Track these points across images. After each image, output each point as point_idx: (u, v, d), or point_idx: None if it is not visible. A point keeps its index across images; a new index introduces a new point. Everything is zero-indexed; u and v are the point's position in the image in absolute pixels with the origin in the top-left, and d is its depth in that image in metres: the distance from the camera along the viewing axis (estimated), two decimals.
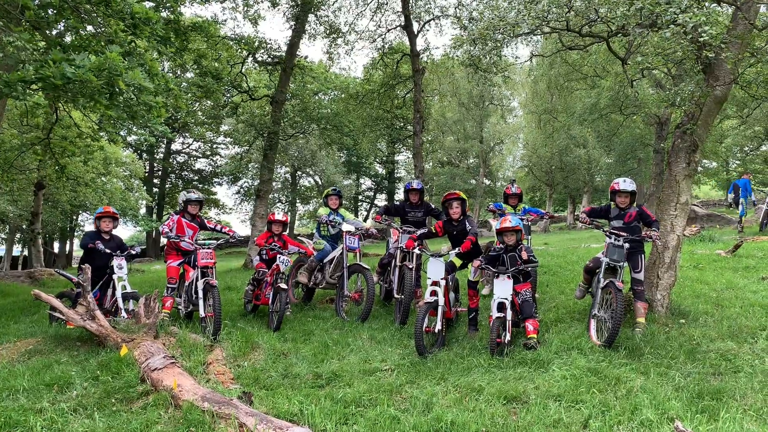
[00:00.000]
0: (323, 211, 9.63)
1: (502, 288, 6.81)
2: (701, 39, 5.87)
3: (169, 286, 8.59)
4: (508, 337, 6.57)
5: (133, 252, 8.63)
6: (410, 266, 8.20)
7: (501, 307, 6.72)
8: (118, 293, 8.19)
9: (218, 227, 9.34)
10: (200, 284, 7.73)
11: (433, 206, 9.35)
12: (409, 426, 4.55)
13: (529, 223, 9.48)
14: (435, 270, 7.07)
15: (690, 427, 4.01)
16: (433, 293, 6.96)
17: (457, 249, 7.48)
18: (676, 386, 5.24)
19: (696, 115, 7.14)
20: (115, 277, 8.26)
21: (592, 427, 4.46)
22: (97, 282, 8.30)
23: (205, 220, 9.07)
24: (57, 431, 4.68)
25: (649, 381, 5.32)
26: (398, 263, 8.52)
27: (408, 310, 7.96)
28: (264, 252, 8.86)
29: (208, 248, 7.99)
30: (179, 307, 8.51)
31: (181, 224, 8.63)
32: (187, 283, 8.38)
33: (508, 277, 6.84)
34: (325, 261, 9.27)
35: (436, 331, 6.90)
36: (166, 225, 8.63)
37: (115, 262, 8.27)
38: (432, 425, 4.56)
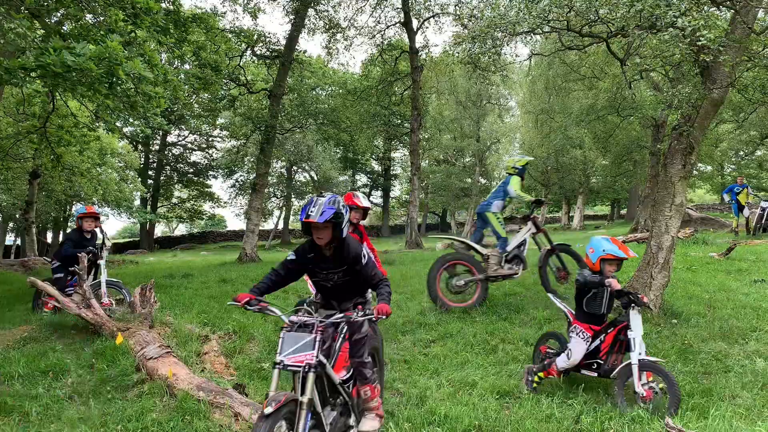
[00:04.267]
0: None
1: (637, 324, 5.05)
2: (699, 42, 5.92)
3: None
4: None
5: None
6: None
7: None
8: (103, 279, 8.19)
9: None
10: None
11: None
12: (403, 418, 4.59)
13: None
14: None
15: (680, 425, 4.06)
16: None
17: None
18: None
19: (692, 117, 7.19)
20: (101, 263, 8.25)
21: (584, 423, 4.51)
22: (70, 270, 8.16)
23: None
24: (52, 417, 4.70)
25: None
26: None
27: None
28: None
29: None
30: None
31: None
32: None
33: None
34: None
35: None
36: None
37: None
38: (425, 418, 4.61)
